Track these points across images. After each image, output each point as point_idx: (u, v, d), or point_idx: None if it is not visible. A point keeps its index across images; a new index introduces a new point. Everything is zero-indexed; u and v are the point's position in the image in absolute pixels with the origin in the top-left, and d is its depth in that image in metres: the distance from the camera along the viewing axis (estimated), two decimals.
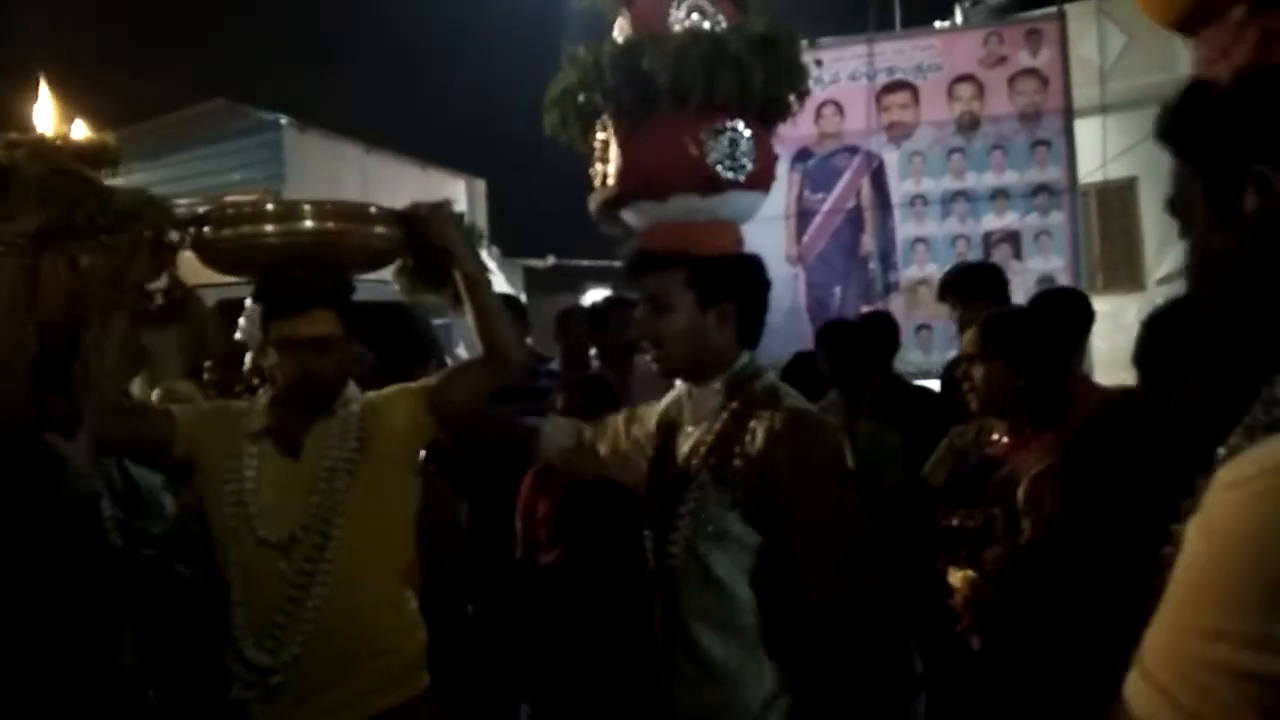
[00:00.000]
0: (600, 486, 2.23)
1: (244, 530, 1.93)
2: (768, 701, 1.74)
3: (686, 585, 1.80)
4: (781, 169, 7.82)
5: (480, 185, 13.79)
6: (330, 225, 2.00)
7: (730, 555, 1.76)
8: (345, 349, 2.01)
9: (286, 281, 1.96)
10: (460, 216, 2.21)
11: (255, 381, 2.24)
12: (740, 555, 1.76)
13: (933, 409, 3.14)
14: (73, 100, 2.09)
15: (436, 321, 4.57)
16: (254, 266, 2.04)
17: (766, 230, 7.66)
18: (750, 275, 1.95)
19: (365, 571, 1.95)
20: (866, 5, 8.08)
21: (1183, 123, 0.89)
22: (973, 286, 3.25)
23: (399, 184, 10.54)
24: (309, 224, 1.98)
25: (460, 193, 12.53)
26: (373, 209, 2.11)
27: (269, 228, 1.98)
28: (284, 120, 10.35)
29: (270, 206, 2.13)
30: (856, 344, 3.27)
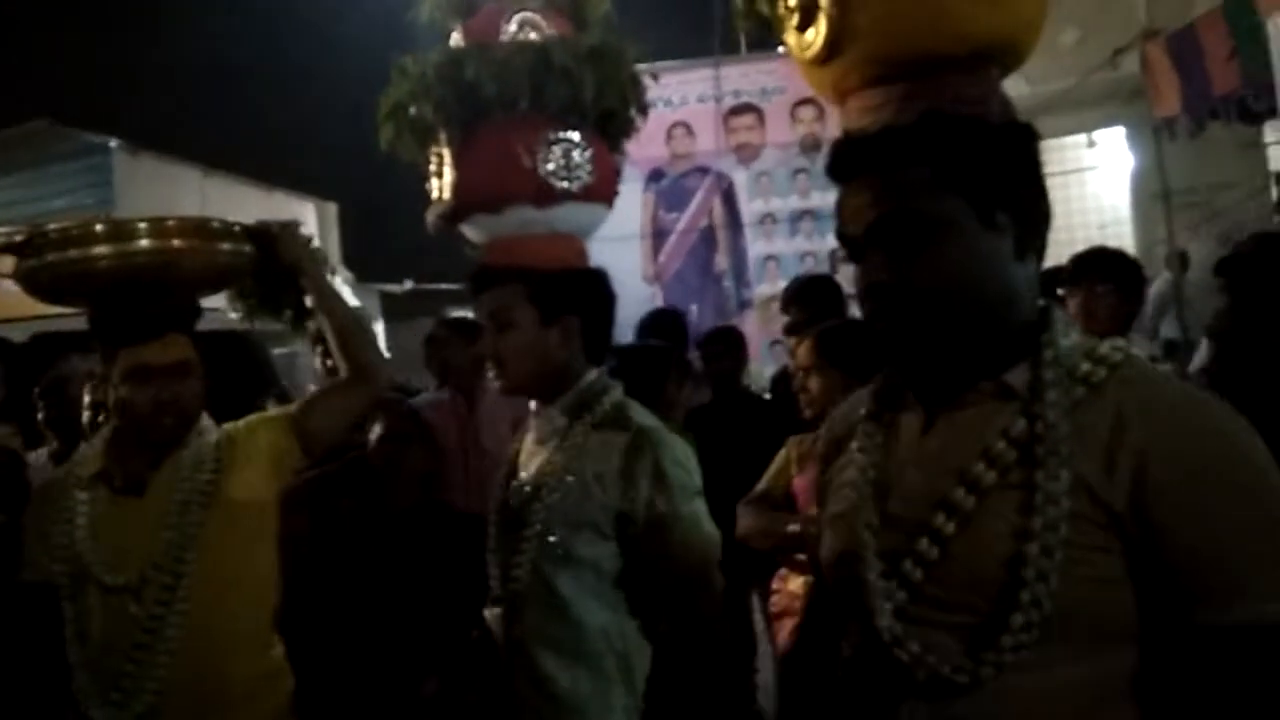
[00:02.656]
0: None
1: (81, 580, 1.79)
2: None
3: (531, 610, 1.74)
4: (636, 189, 7.96)
5: (331, 209, 13.42)
6: (171, 243, 1.87)
7: (578, 578, 1.71)
8: (200, 375, 1.89)
9: (133, 307, 1.83)
10: (307, 240, 2.14)
11: (99, 419, 2.10)
12: (588, 579, 1.72)
13: (767, 418, 3.27)
14: None
15: (277, 352, 4.39)
16: (87, 294, 1.90)
17: (623, 250, 7.74)
18: (594, 288, 1.91)
19: (224, 612, 1.81)
20: (711, 29, 8.30)
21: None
22: (812, 299, 3.36)
23: (242, 208, 10.11)
24: (146, 243, 1.84)
25: (309, 216, 12.14)
26: (216, 224, 1.99)
27: (102, 249, 1.83)
28: (113, 143, 9.80)
29: (101, 226, 1.95)
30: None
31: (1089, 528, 0.95)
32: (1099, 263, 2.77)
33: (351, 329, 2.01)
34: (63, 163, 9.71)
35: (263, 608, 1.91)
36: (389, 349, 12.93)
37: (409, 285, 14.72)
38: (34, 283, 1.88)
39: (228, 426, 1.96)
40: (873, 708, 1.05)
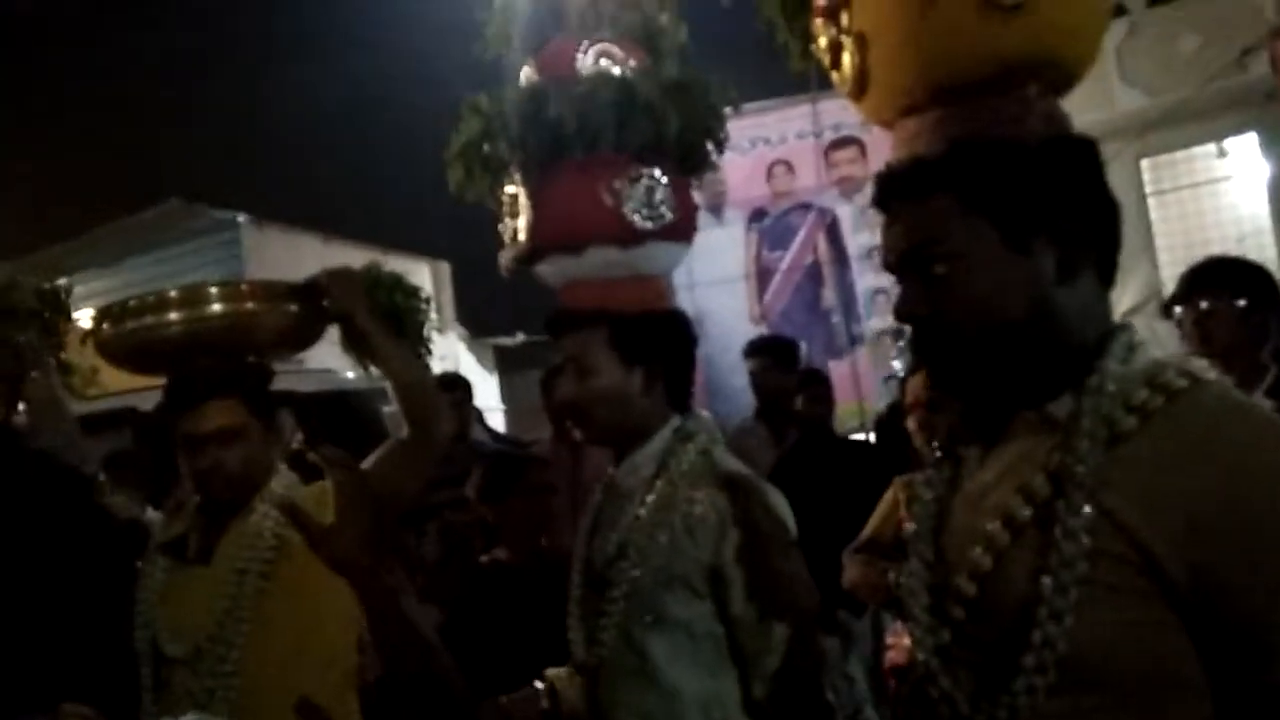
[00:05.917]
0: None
1: (149, 647, 1.80)
2: None
3: (620, 680, 1.64)
4: (738, 230, 7.89)
5: (445, 268, 13.79)
6: (207, 310, 1.89)
7: (671, 642, 1.61)
8: (257, 440, 1.89)
9: (181, 376, 1.86)
10: (412, 290, 2.14)
11: None
12: (683, 642, 1.61)
13: (864, 461, 3.12)
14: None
15: (390, 410, 4.48)
16: (156, 362, 1.95)
17: (728, 292, 7.67)
18: (677, 332, 1.83)
19: (281, 687, 1.76)
20: (808, 66, 8.21)
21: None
22: None
23: None
24: (179, 313, 1.88)
25: (425, 277, 12.50)
26: (257, 284, 2.02)
27: (165, 317, 1.88)
28: (241, 218, 10.33)
29: (169, 294, 2.00)
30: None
31: (1117, 567, 0.88)
32: (1213, 274, 2.36)
33: (408, 382, 1.97)
34: (195, 239, 10.30)
35: (330, 679, 1.85)
36: (504, 400, 13.11)
37: (521, 338, 14.98)
38: (110, 351, 1.98)
39: (301, 491, 1.95)
40: None
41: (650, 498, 1.69)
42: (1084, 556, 0.89)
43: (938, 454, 1.12)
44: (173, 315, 1.89)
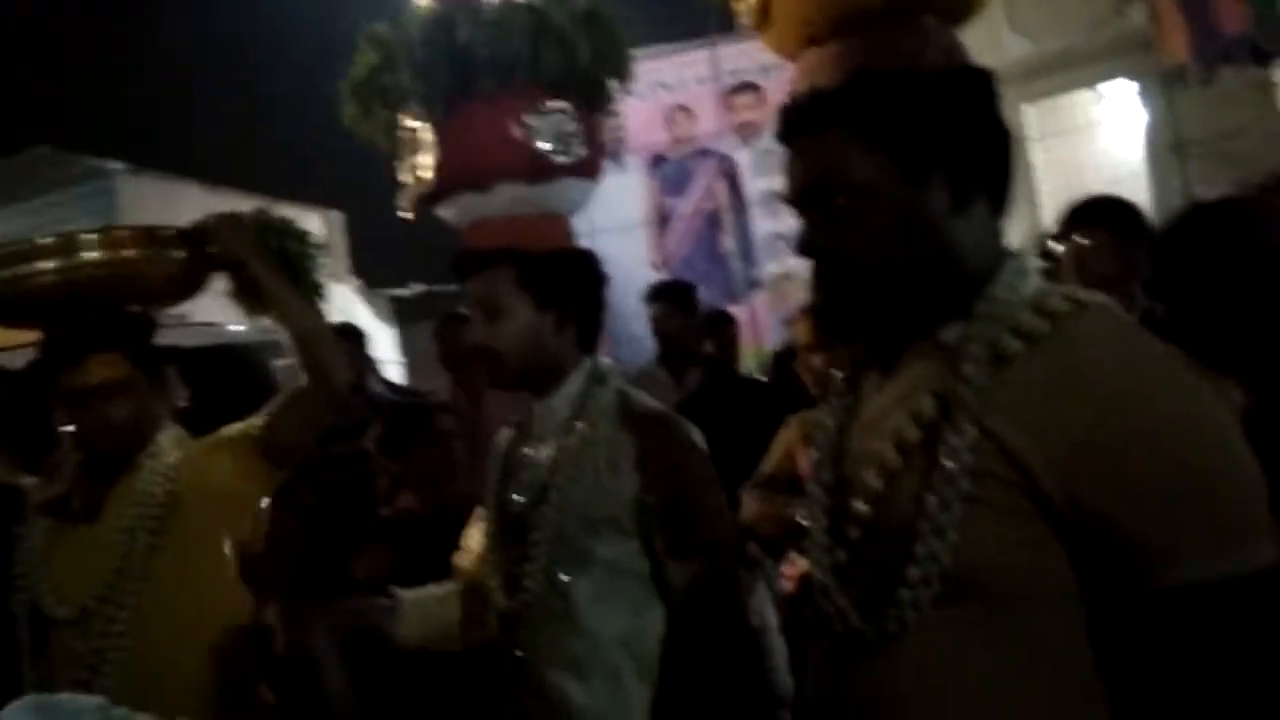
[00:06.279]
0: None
1: (33, 611, 1.72)
2: None
3: (542, 624, 1.63)
4: (638, 177, 7.85)
5: (337, 217, 13.39)
6: (91, 256, 1.77)
7: (595, 584, 1.61)
8: (142, 394, 1.81)
9: (58, 331, 1.76)
10: (303, 236, 2.06)
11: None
12: (606, 582, 1.61)
13: (766, 401, 3.19)
14: None
15: (282, 362, 4.35)
16: (29, 315, 1.84)
17: (629, 239, 7.65)
18: (589, 271, 1.80)
19: (171, 646, 1.71)
20: (706, 10, 8.17)
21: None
22: None
23: None
24: (74, 258, 1.76)
25: (316, 227, 12.12)
26: (138, 229, 1.89)
27: (37, 266, 1.75)
28: (115, 166, 9.79)
29: (41, 242, 1.85)
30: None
31: (999, 486, 0.92)
32: (1088, 211, 2.49)
33: (305, 330, 1.90)
34: (65, 189, 9.71)
35: (225, 641, 1.77)
36: (402, 353, 12.88)
37: (418, 288, 14.69)
38: None
39: (191, 446, 1.88)
40: (802, 660, 1.10)
41: (569, 440, 1.67)
42: (967, 475, 0.92)
43: (839, 383, 1.15)
44: (46, 265, 1.76)
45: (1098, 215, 2.45)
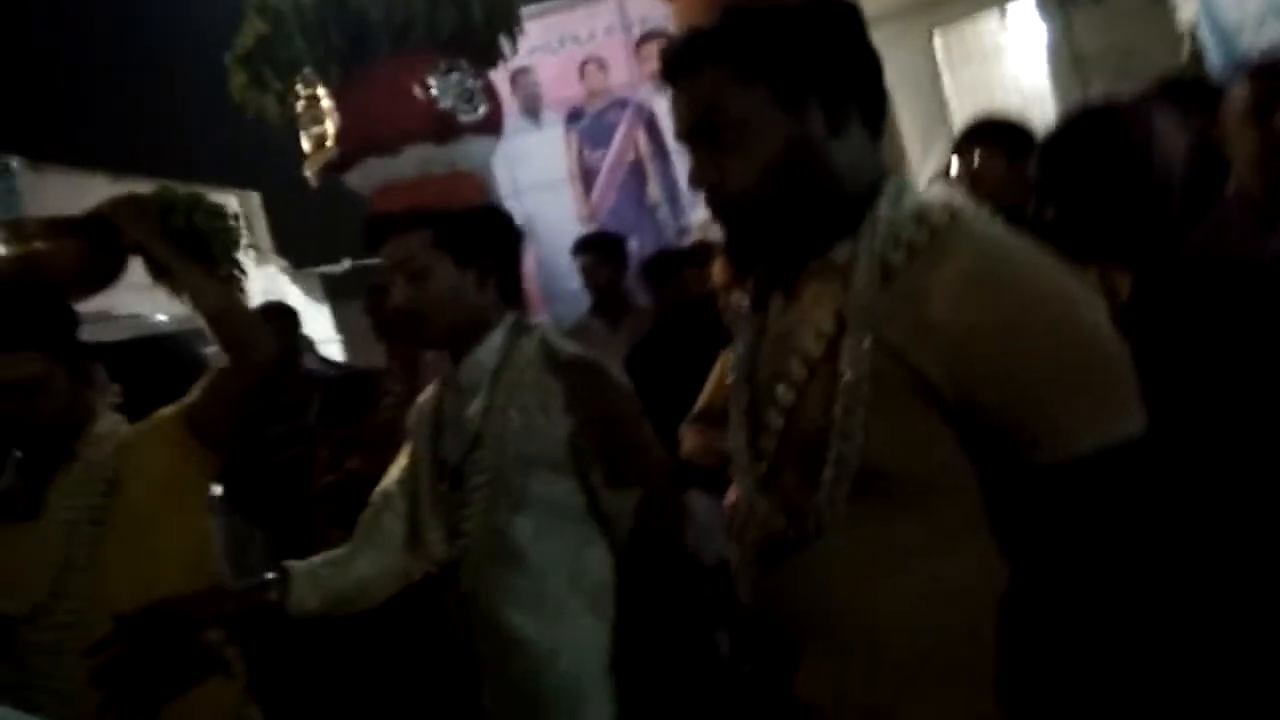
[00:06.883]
0: None
1: None
2: (588, 669, 1.65)
3: (485, 567, 1.69)
4: (557, 132, 7.81)
5: (254, 197, 13.06)
6: None
7: (535, 523, 1.67)
8: (63, 388, 1.80)
9: None
10: (215, 210, 2.04)
11: None
12: (546, 520, 1.67)
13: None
14: None
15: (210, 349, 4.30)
16: None
17: (555, 195, 7.61)
18: (502, 225, 1.85)
19: None
20: None
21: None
22: None
23: None
24: None
25: (233, 208, 11.83)
26: (38, 221, 1.89)
27: None
28: (14, 161, 9.42)
29: None
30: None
31: (897, 390, 1.01)
32: (981, 130, 2.75)
33: (214, 307, 1.91)
34: None
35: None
36: (338, 330, 12.64)
37: (347, 264, 14.44)
38: None
39: (126, 432, 1.89)
40: (735, 572, 1.19)
41: (499, 386, 1.73)
42: (867, 381, 1.02)
43: (746, 306, 1.23)
44: None
45: (991, 133, 2.70)
